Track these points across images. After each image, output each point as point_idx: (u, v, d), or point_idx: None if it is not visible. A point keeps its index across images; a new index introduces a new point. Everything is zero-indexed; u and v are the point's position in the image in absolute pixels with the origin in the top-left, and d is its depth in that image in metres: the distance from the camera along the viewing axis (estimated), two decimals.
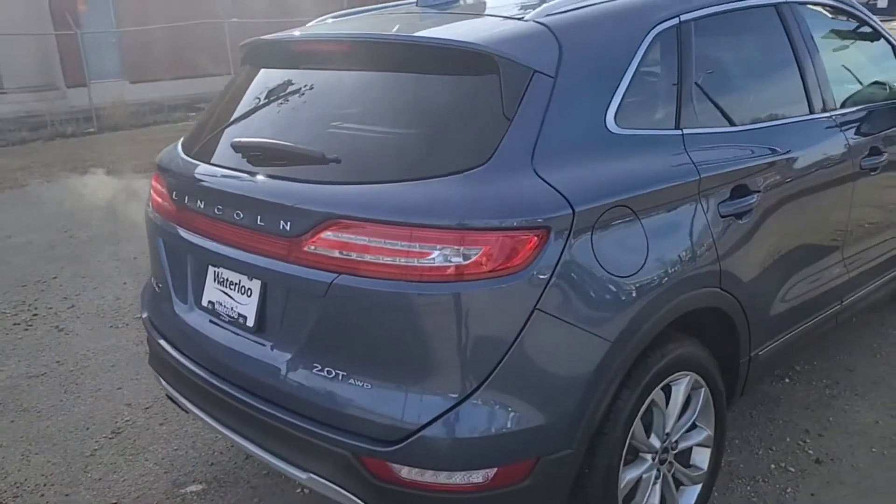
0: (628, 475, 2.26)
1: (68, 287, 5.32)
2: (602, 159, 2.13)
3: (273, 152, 2.24)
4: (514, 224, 1.88)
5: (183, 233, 2.46)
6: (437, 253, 1.85)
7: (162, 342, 2.60)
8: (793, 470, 2.92)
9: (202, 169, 2.43)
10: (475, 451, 1.92)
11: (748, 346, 2.63)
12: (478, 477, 1.93)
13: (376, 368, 1.96)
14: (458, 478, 1.93)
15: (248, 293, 2.23)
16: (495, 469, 1.94)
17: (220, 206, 2.26)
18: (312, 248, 1.99)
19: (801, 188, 2.76)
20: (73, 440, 3.34)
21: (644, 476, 2.34)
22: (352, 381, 1.98)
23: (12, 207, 7.85)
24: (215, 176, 2.36)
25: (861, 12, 3.43)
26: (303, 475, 2.12)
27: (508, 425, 1.93)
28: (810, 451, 3.03)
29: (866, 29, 3.49)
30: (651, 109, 2.37)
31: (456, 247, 1.84)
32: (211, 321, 2.38)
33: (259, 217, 2.13)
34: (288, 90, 2.50)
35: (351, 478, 2.01)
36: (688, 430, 2.49)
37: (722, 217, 2.38)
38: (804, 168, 2.78)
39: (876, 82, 3.51)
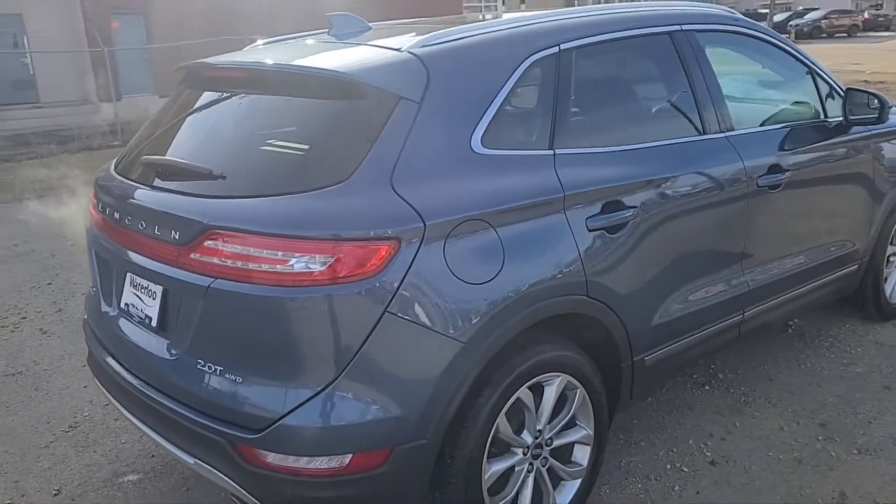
0: (494, 467, 2.45)
1: (59, 293, 5.65)
2: (464, 177, 2.34)
3: (171, 168, 2.50)
4: (366, 235, 2.10)
5: (107, 242, 2.73)
6: (297, 261, 2.08)
7: (94, 342, 2.87)
8: (686, 470, 3.08)
9: (122, 184, 2.70)
10: (331, 438, 2.14)
11: (629, 351, 2.80)
12: (335, 462, 2.15)
13: (246, 363, 2.19)
14: (318, 463, 2.15)
15: (153, 296, 2.48)
16: (350, 455, 2.15)
17: (130, 218, 2.53)
18: (197, 255, 2.23)
19: (684, 205, 2.93)
20: (32, 433, 3.62)
21: (516, 469, 2.53)
22: (227, 374, 2.21)
23: (24, 217, 8.26)
24: (130, 190, 2.62)
25: (771, 37, 3.59)
26: (191, 460, 2.36)
27: (362, 416, 2.15)
28: (708, 454, 3.18)
29: (779, 53, 3.65)
30: (523, 131, 2.58)
31: (314, 255, 2.07)
32: (127, 321, 2.64)
33: (157, 227, 2.38)
34: (202, 111, 2.77)
35: (228, 463, 2.24)
36: (565, 428, 2.67)
37: (590, 231, 2.57)
38: (687, 186, 2.95)
39: (794, 103, 3.70)
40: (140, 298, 2.56)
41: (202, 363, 2.26)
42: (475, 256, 2.28)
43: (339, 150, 2.24)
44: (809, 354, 4.04)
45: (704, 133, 3.12)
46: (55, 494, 3.13)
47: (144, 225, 2.44)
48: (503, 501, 2.51)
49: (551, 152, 2.57)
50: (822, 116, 3.70)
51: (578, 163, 2.63)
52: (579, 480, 2.74)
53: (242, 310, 2.15)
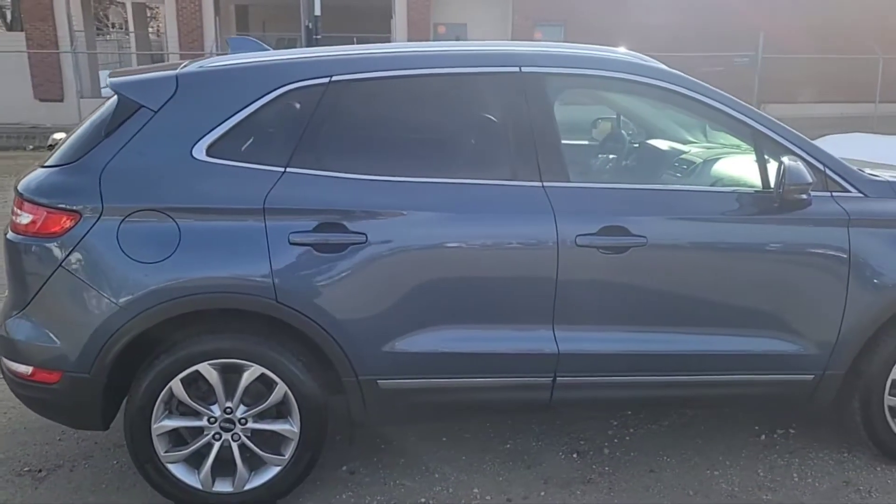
0: (167, 422, 2.92)
1: None
2: (172, 176, 2.85)
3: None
4: (54, 204, 2.80)
5: None
6: (21, 217, 2.86)
7: None
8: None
9: None
10: (19, 349, 2.90)
11: (350, 368, 2.95)
12: (23, 369, 2.90)
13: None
14: (13, 366, 2.93)
15: None
16: (32, 368, 2.89)
17: None
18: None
19: (445, 242, 2.93)
20: None
21: (205, 432, 2.94)
22: None
23: None
24: None
25: (690, 89, 3.14)
26: None
27: (38, 340, 2.86)
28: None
29: (712, 112, 3.18)
30: (258, 148, 2.92)
31: (28, 214, 2.84)
32: None
33: None
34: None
35: None
36: (268, 418, 2.98)
37: (291, 244, 2.83)
38: (446, 225, 2.93)
39: (704, 165, 3.19)
40: None
41: None
42: (146, 239, 2.79)
43: (87, 139, 2.93)
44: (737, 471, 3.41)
45: (516, 179, 3.00)
46: None
47: None
48: (179, 453, 2.95)
49: (282, 170, 2.89)
50: (740, 184, 3.14)
51: (306, 183, 2.89)
52: (278, 469, 3.01)
53: (4, 248, 2.99)
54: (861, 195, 3.15)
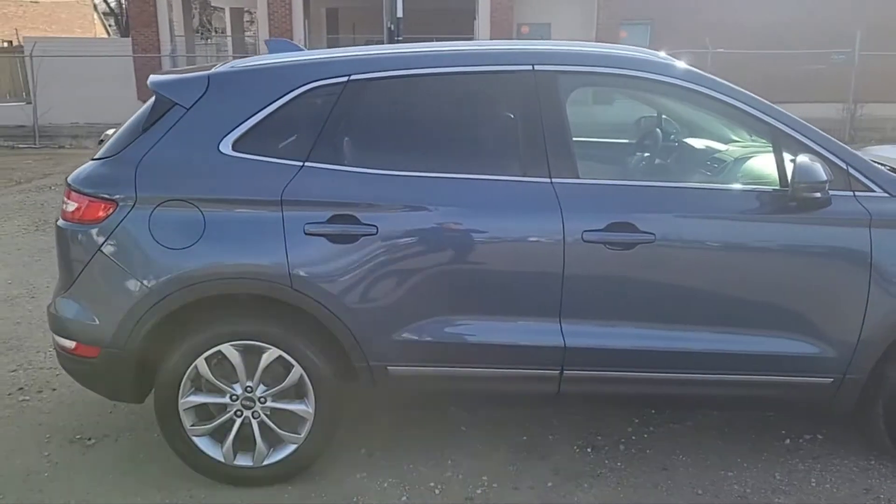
0: (193, 397, 3.13)
1: None
2: (200, 169, 3.06)
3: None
4: (95, 194, 3.05)
5: None
6: (68, 205, 3.14)
7: None
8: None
9: None
10: (64, 325, 3.17)
11: (361, 354, 3.10)
12: (70, 344, 3.18)
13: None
14: (61, 341, 3.20)
15: None
16: (75, 343, 3.15)
17: None
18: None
19: (451, 236, 3.03)
20: None
21: (228, 409, 3.15)
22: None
23: None
24: None
25: (708, 87, 3.14)
26: None
27: (80, 317, 3.12)
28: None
29: (721, 107, 3.16)
30: (280, 143, 3.10)
31: (74, 202, 3.11)
32: None
33: None
34: None
35: None
36: (286, 398, 3.16)
37: (306, 234, 3.00)
38: (457, 219, 3.03)
39: (712, 161, 3.18)
40: None
41: None
42: (174, 227, 3.00)
43: (128, 135, 3.17)
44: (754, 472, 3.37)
45: (524, 175, 3.07)
46: None
47: None
48: (204, 427, 3.16)
49: (300, 164, 3.06)
50: (764, 182, 3.11)
51: (323, 177, 3.04)
52: (294, 447, 3.19)
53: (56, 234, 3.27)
54: (887, 195, 3.07)
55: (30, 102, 17.22)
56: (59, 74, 17.26)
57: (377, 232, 3.00)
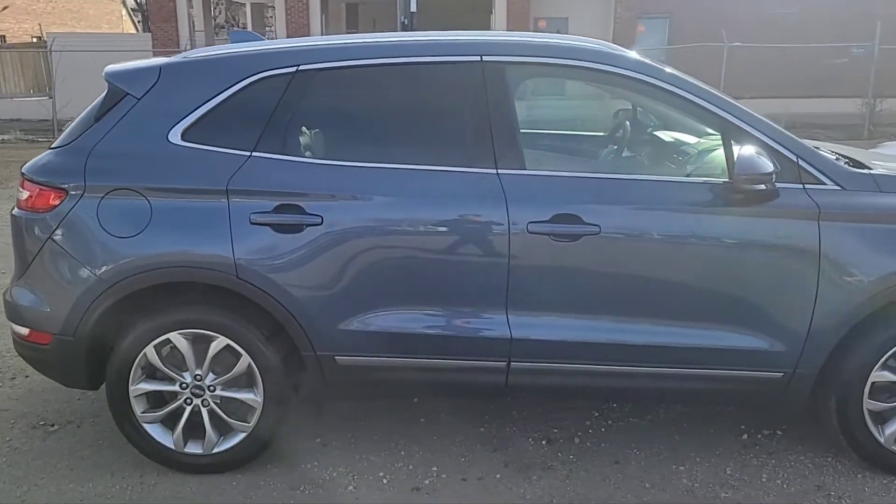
0: (143, 385, 3.17)
1: None
2: (149, 159, 3.09)
3: None
4: (47, 182, 3.10)
5: None
6: (21, 193, 3.19)
7: None
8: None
9: None
10: (19, 313, 3.22)
11: (308, 343, 3.12)
12: (24, 331, 3.23)
13: None
14: (16, 328, 3.26)
15: None
16: (28, 330, 3.21)
17: None
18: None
19: (392, 226, 3.03)
20: None
21: (178, 397, 3.18)
22: None
23: None
24: None
25: (655, 77, 3.11)
26: None
27: (32, 304, 3.18)
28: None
29: (666, 97, 3.13)
30: (228, 133, 3.11)
31: (27, 191, 3.16)
32: None
33: None
34: None
35: None
36: (234, 386, 3.18)
37: (252, 224, 3.02)
38: (401, 210, 3.03)
39: (656, 152, 3.15)
40: None
41: None
42: (122, 216, 3.04)
43: (82, 124, 3.21)
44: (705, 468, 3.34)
45: (471, 166, 3.07)
46: None
47: None
48: (154, 414, 3.20)
49: (248, 154, 3.08)
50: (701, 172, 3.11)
51: (269, 167, 3.06)
52: (244, 435, 3.21)
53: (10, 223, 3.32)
54: (838, 188, 3.03)
55: (51, 97, 17.47)
56: (80, 69, 17.44)
57: (322, 222, 3.01)
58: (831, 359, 3.07)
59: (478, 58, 3.12)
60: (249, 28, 29.77)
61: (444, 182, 3.06)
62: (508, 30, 20.58)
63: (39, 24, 31.46)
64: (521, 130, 3.20)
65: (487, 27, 21.28)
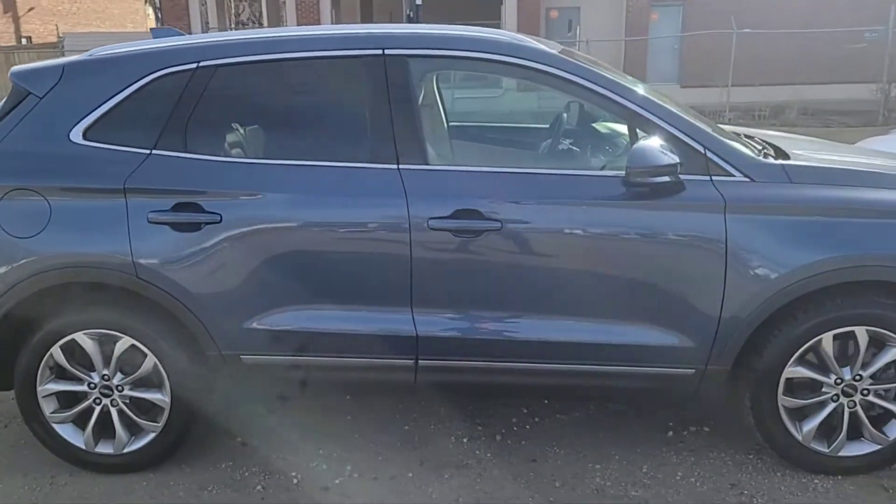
0: (50, 385, 3.17)
1: None
2: (51, 159, 3.09)
3: None
4: None
5: None
6: None
7: None
8: None
9: None
10: None
11: (212, 343, 3.09)
12: None
13: None
14: None
15: None
16: None
17: None
18: None
19: (290, 223, 2.99)
20: None
21: (90, 397, 3.18)
22: None
23: None
24: None
25: (557, 67, 3.03)
26: None
27: None
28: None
29: (572, 88, 3.05)
30: (129, 131, 3.09)
31: None
32: None
33: None
34: None
35: None
36: (143, 386, 3.17)
37: (150, 223, 3.00)
38: (302, 207, 2.99)
39: (558, 146, 3.08)
40: None
41: None
42: (21, 216, 3.04)
43: None
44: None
45: (372, 162, 3.02)
46: None
47: None
48: (63, 414, 3.20)
49: (148, 152, 3.07)
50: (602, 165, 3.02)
51: (168, 165, 3.04)
52: (153, 435, 3.21)
53: None
54: (747, 180, 2.93)
55: None
56: None
57: (221, 220, 2.98)
58: (744, 354, 2.98)
59: (379, 51, 3.06)
60: (265, 25, 29.90)
61: (346, 178, 3.01)
62: (519, 22, 20.43)
63: (56, 25, 31.86)
64: (456, 123, 3.15)
65: (497, 19, 21.12)
